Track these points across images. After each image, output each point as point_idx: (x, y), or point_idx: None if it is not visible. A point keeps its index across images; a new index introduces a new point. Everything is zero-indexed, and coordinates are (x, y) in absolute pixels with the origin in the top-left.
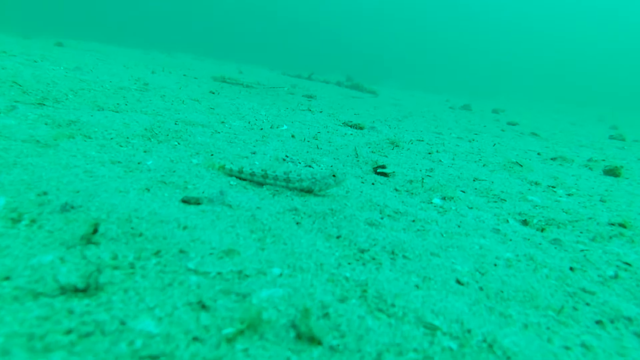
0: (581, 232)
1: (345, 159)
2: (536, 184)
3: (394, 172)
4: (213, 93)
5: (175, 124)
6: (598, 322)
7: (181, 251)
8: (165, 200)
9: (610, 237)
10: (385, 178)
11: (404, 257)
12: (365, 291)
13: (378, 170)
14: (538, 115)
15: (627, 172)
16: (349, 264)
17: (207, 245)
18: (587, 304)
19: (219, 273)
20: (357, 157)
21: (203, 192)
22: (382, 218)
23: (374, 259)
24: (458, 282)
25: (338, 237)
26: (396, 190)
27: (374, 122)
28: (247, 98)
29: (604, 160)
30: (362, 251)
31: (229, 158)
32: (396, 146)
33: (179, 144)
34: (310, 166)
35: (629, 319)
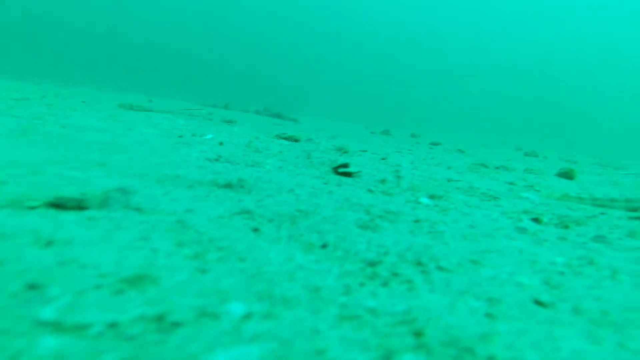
0: (610, 228)
1: (295, 160)
2: (512, 184)
3: (359, 171)
4: (121, 108)
5: (63, 127)
6: None
7: (31, 286)
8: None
9: None
10: (350, 179)
11: (439, 268)
12: (419, 334)
13: (340, 170)
14: (452, 139)
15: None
16: (362, 284)
17: (90, 271)
18: None
19: (113, 324)
20: (309, 158)
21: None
22: (372, 220)
23: (395, 274)
24: (537, 302)
25: (323, 246)
26: (370, 190)
27: (309, 136)
28: (161, 114)
29: (539, 169)
30: (372, 264)
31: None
32: (345, 152)
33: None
34: (253, 166)
35: None
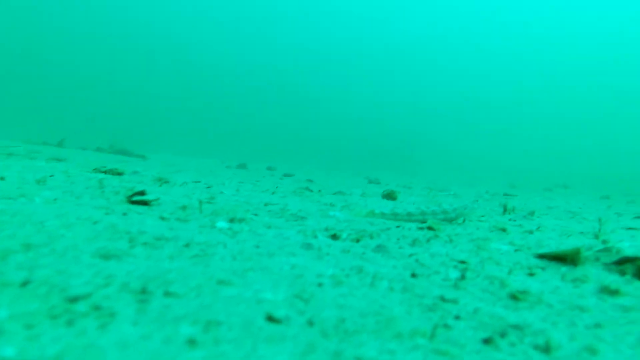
0: (398, 239)
1: (83, 191)
2: (332, 205)
3: (158, 199)
4: None
5: None
6: (487, 341)
7: None
8: None
9: (428, 240)
10: (145, 207)
11: (167, 294)
12: None
13: (134, 199)
14: (310, 170)
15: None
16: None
17: None
18: (457, 317)
19: None
20: (101, 188)
21: None
22: (132, 247)
23: (98, 308)
24: (271, 319)
25: (24, 284)
26: (162, 218)
27: (136, 170)
28: None
29: (373, 192)
30: (74, 300)
31: None
32: (165, 182)
33: None
34: (14, 199)
35: (519, 328)
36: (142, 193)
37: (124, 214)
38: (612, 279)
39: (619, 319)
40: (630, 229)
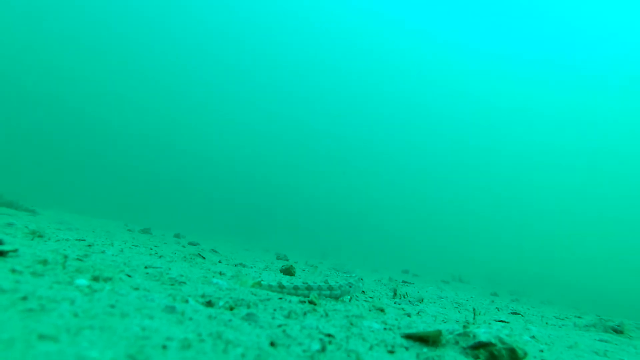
0: (274, 310)
1: None
2: (221, 274)
3: (16, 250)
4: None
5: None
6: None
7: None
8: None
9: (305, 313)
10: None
11: None
12: None
13: None
14: (219, 241)
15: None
16: None
17: None
18: None
19: None
20: None
21: None
22: None
23: None
24: None
25: None
26: (13, 270)
27: (12, 222)
28: None
29: (272, 267)
30: None
31: None
32: (39, 236)
33: None
34: None
35: None
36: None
37: None
38: None
39: None
40: (501, 321)
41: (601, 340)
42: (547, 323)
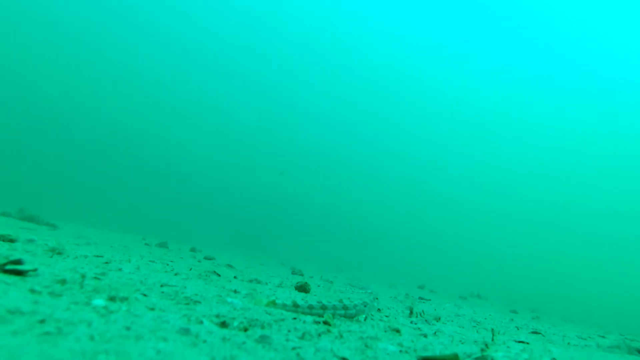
0: (289, 331)
1: None
2: (235, 292)
3: (36, 269)
4: None
5: None
6: None
7: None
8: None
9: (319, 335)
10: (17, 277)
11: None
12: None
13: (7, 267)
14: (235, 255)
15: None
16: None
17: None
18: None
19: None
20: None
21: None
22: None
23: None
24: None
25: None
26: (32, 291)
27: (33, 238)
28: None
29: (288, 283)
30: None
31: None
32: (58, 254)
33: None
34: None
35: None
36: (18, 262)
37: None
38: None
39: None
40: (521, 342)
41: None
42: (569, 343)
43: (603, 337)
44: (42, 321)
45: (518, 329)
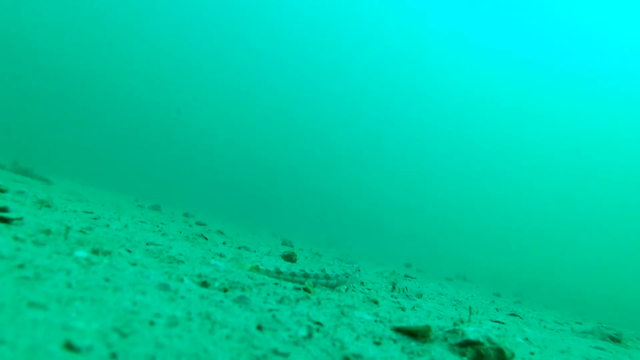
0: (268, 295)
1: None
2: (221, 255)
3: (21, 218)
4: None
5: None
6: None
7: None
8: None
9: (298, 300)
10: (2, 224)
11: None
12: None
13: None
14: (228, 223)
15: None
16: None
17: None
18: None
19: None
20: None
21: None
22: None
23: None
24: (69, 346)
25: None
26: (16, 238)
27: (23, 190)
28: None
29: (276, 253)
30: None
31: None
32: (47, 206)
33: None
34: None
35: None
36: (4, 210)
37: None
38: (451, 359)
39: None
40: (497, 322)
41: (596, 348)
42: (544, 327)
43: (580, 323)
44: (21, 266)
45: (497, 311)
